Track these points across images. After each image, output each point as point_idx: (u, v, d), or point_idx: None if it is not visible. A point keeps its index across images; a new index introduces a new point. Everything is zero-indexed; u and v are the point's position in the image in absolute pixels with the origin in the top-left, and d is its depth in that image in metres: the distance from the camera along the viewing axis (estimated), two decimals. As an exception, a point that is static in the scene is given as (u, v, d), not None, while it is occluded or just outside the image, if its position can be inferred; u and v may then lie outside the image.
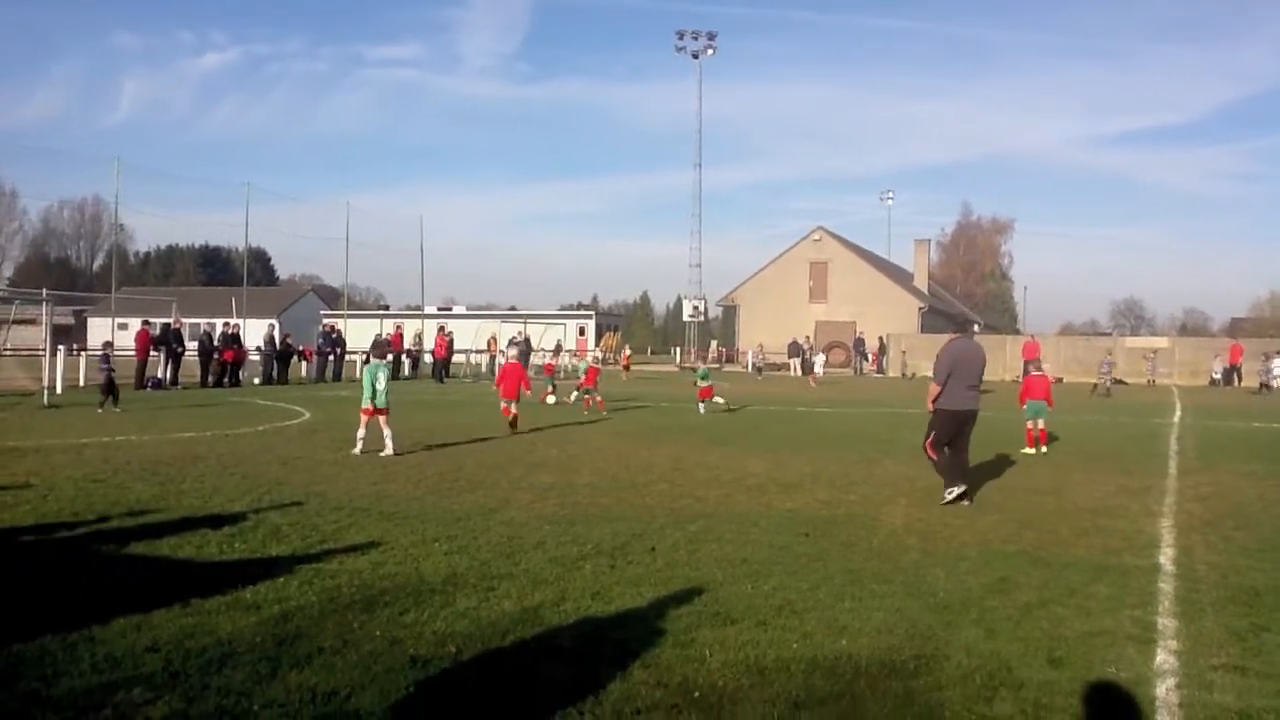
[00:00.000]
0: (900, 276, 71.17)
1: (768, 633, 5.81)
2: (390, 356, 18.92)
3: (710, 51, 73.09)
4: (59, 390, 25.25)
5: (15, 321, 33.41)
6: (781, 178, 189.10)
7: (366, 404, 14.30)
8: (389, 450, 13.79)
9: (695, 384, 24.36)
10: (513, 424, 17.70)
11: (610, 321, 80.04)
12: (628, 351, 52.53)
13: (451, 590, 6.60)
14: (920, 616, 6.26)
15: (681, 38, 72.94)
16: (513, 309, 75.94)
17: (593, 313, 79.79)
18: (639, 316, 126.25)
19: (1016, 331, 78.22)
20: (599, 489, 11.33)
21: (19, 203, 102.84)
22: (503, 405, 18.05)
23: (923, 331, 60.06)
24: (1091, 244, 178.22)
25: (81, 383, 28.29)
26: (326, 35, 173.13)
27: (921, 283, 71.15)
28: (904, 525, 9.46)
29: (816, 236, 67.80)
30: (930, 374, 11.36)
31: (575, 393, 24.57)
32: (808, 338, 55.87)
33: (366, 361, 16.83)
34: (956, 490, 10.69)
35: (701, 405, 23.14)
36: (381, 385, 14.39)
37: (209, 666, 4.99)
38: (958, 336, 11.76)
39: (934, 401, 11.03)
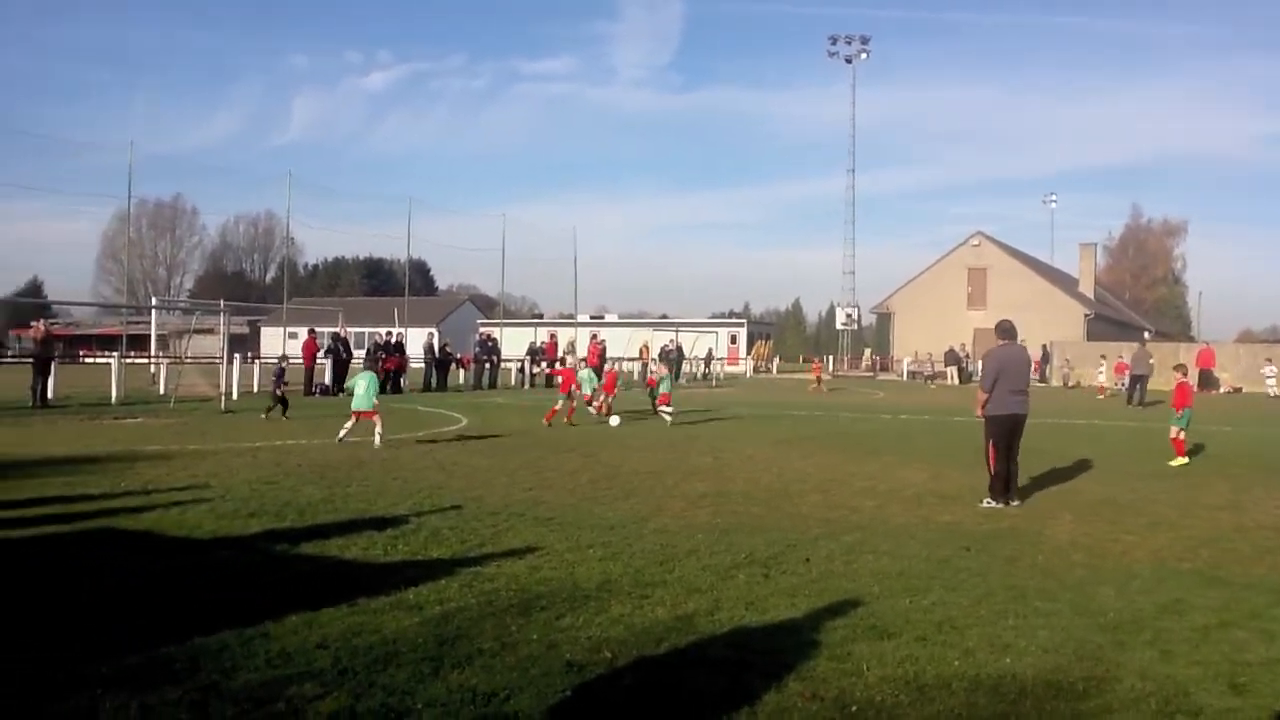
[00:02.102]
0: (1064, 282, 68.69)
1: (927, 649, 5.66)
2: (380, 367, 19.95)
3: (864, 55, 72.33)
4: (235, 396, 26.57)
5: (196, 331, 35.40)
6: (938, 182, 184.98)
7: (354, 407, 16.31)
8: (377, 443, 15.51)
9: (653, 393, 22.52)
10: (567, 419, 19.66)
11: (762, 330, 79.55)
12: (817, 362, 51.13)
13: (606, 596, 6.66)
14: (1089, 636, 6.00)
15: (834, 42, 72.45)
16: (664, 317, 76.29)
17: (744, 321, 79.41)
18: (791, 324, 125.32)
19: (1190, 339, 74.55)
20: (752, 498, 11.26)
21: (199, 219, 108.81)
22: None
23: (1089, 339, 57.83)
24: (1274, 245, 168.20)
25: (255, 389, 29.76)
26: (485, 52, 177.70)
27: (1087, 288, 68.49)
28: (1069, 540, 9.10)
29: (975, 242, 66.05)
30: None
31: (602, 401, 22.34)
32: (963, 345, 54.44)
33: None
34: (1001, 504, 10.88)
35: (667, 415, 21.09)
36: (360, 391, 16.32)
37: (375, 664, 5.15)
38: (1004, 344, 11.60)
39: (983, 409, 11.31)
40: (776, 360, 69.65)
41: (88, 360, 43.90)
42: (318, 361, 31.72)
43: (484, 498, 10.80)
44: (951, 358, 51.54)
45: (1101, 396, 36.48)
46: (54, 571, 7.20)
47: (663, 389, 22.04)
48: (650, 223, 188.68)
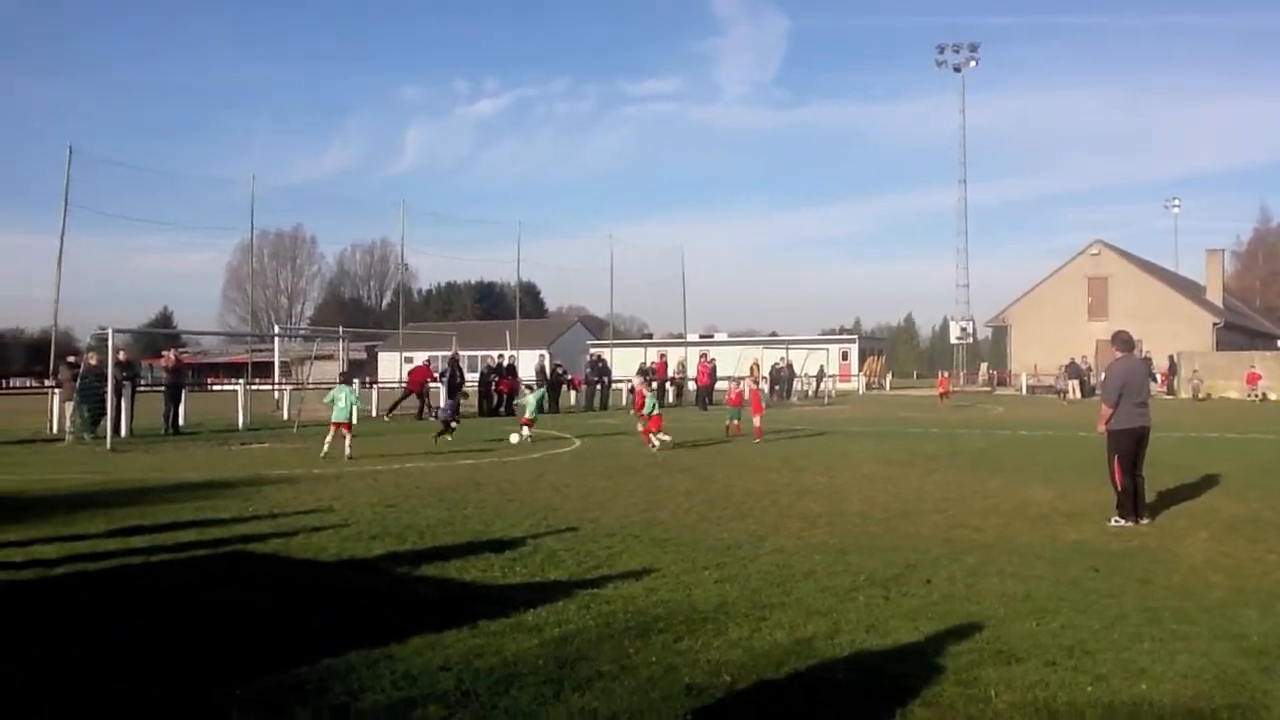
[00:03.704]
0: (1190, 290, 66.25)
1: (1057, 674, 5.48)
2: (356, 381, 20.55)
3: (973, 64, 71.21)
4: (355, 421, 27.22)
5: (316, 358, 36.44)
6: (1053, 190, 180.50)
7: (334, 419, 17.48)
8: (348, 455, 16.99)
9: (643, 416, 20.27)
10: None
11: (874, 345, 78.49)
12: (944, 375, 50.21)
13: (724, 619, 6.61)
14: (1231, 661, 5.73)
15: (942, 51, 71.49)
16: (773, 335, 75.86)
17: (855, 336, 78.47)
18: (903, 339, 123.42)
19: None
20: (869, 518, 11.09)
21: (318, 248, 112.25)
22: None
23: (1218, 349, 55.61)
24: None
25: (373, 413, 30.48)
26: (590, 75, 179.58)
27: (1215, 296, 65.96)
28: (1206, 560, 8.73)
29: (1095, 250, 64.22)
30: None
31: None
32: (1084, 357, 52.85)
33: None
34: (1130, 522, 10.51)
35: (655, 440, 19.50)
36: (341, 404, 17.43)
37: (497, 686, 5.20)
38: (1123, 356, 11.24)
39: (1106, 423, 10.97)
40: (889, 376, 68.61)
41: (215, 388, 45.60)
42: (432, 384, 32.40)
43: (599, 519, 10.85)
44: (1073, 371, 50.05)
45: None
46: (190, 594, 7.46)
47: (649, 410, 20.13)
48: (759, 240, 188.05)
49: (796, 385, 47.53)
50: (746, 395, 23.39)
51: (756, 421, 22.27)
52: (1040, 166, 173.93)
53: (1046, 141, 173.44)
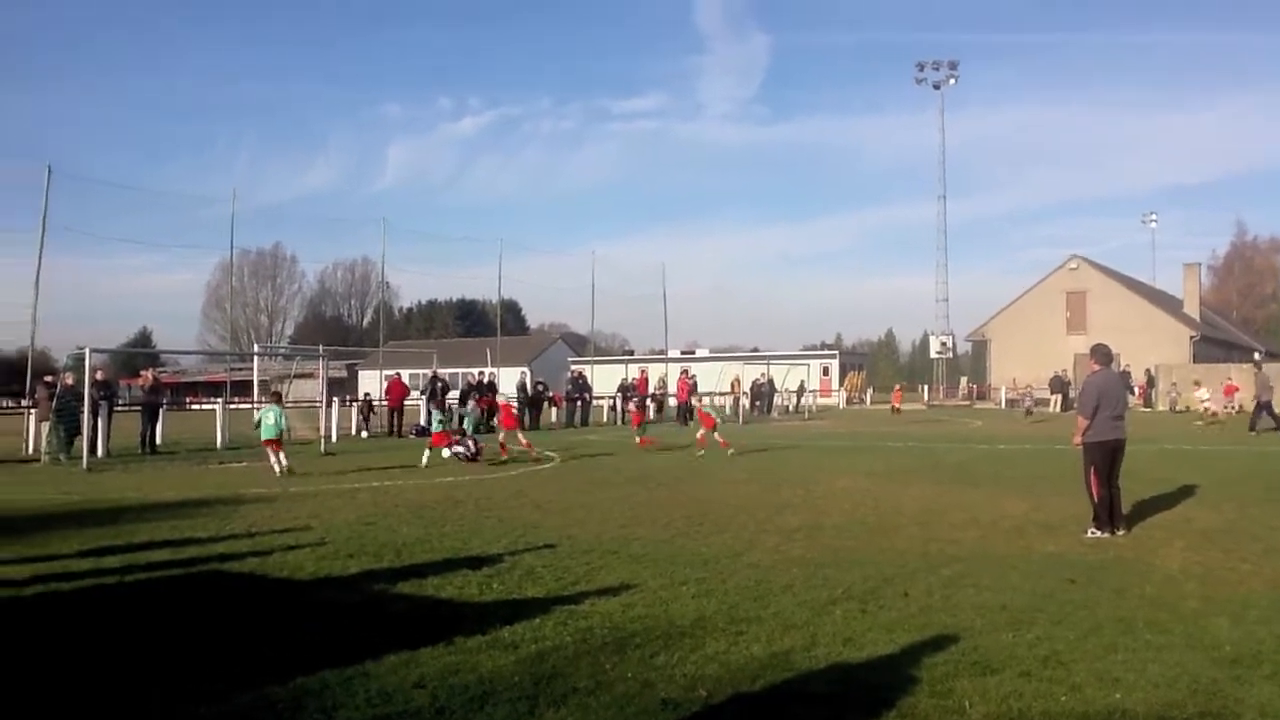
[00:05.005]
0: (1168, 304, 66.79)
1: (1032, 684, 5.50)
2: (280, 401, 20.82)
3: (952, 81, 71.62)
4: (334, 439, 27.15)
5: (296, 376, 36.31)
6: (1031, 205, 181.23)
7: (263, 437, 18.01)
8: (277, 472, 17.54)
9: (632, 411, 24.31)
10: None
11: (854, 360, 78.64)
12: (898, 388, 51.38)
13: (701, 633, 6.61)
14: (1204, 670, 5.76)
15: (922, 69, 71.87)
16: (755, 350, 75.96)
17: (836, 352, 78.61)
18: (884, 354, 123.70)
19: (1304, 358, 71.72)
20: (847, 531, 11.11)
21: (298, 267, 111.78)
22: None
23: (1195, 361, 56.01)
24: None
25: (353, 431, 30.40)
26: (573, 93, 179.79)
27: (1192, 309, 66.53)
28: (1181, 569, 8.78)
29: (1073, 265, 64.60)
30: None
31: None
32: (1065, 371, 53.12)
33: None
34: (1106, 534, 10.58)
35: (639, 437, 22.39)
36: (270, 422, 17.99)
37: (472, 704, 5.18)
38: (1100, 369, 11.31)
39: (1083, 436, 11.07)
40: (870, 391, 68.78)
41: (194, 407, 45.27)
42: (405, 404, 32.44)
43: (577, 535, 10.83)
44: (1057, 384, 50.24)
45: (1201, 424, 34.24)
46: (163, 613, 7.40)
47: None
48: (740, 256, 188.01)
49: (777, 400, 47.62)
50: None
51: (715, 435, 22.57)
52: (1018, 182, 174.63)
53: (1024, 157, 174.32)
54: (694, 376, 41.48)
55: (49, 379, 24.43)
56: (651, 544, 10.27)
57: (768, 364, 50.60)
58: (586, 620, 6.95)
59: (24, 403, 27.75)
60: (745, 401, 43.52)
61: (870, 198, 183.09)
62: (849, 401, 62.33)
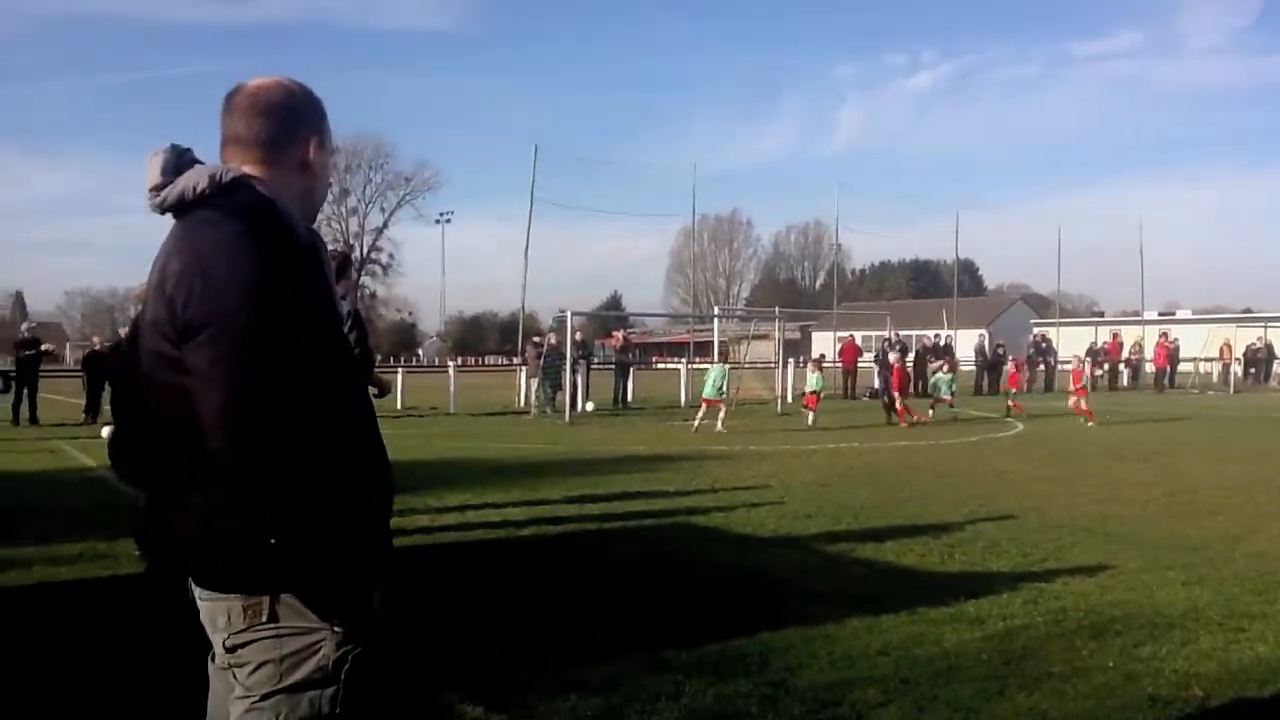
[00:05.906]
0: None
1: None
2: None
3: None
4: (789, 399, 27.76)
5: (753, 338, 37.49)
6: None
7: (704, 395, 19.06)
8: (694, 429, 18.60)
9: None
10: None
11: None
12: None
13: (1192, 625, 5.97)
14: None
15: None
16: (1247, 311, 67.80)
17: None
18: None
19: None
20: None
21: (754, 231, 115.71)
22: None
23: None
24: None
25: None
26: (1035, 37, 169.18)
27: None
28: None
29: None
30: None
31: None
32: None
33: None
34: None
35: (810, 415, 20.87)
36: (710, 380, 19.15)
37: (937, 677, 5.03)
38: None
39: None
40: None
41: (659, 366, 48.27)
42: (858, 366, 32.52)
43: (1044, 509, 10.23)
44: None
45: None
46: (641, 560, 7.92)
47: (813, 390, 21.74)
48: (1230, 206, 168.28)
49: (1277, 368, 42.25)
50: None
51: (1082, 404, 21.09)
52: None
53: None
54: (1175, 340, 37.85)
55: (536, 339, 27.13)
56: (1130, 523, 9.46)
57: (1265, 326, 44.94)
58: (1059, 600, 6.52)
59: (516, 360, 31.05)
60: (1237, 369, 39.04)
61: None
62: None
